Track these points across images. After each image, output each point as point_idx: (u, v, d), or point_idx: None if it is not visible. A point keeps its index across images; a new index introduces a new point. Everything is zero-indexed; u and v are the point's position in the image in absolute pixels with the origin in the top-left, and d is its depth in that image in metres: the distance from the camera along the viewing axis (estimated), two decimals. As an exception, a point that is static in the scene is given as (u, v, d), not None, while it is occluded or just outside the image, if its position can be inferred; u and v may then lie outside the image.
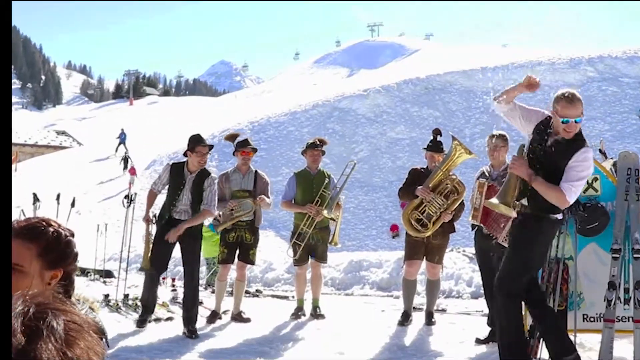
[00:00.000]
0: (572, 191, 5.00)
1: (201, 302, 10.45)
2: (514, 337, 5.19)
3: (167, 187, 8.24)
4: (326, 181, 9.20)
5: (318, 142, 9.40)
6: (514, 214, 5.24)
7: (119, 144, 48.06)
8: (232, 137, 9.29)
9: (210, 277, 14.58)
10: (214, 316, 8.99)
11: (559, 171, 5.02)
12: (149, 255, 8.41)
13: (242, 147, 8.99)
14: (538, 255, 5.26)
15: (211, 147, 8.40)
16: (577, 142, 5.15)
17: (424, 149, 8.40)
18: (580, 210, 5.85)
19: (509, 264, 5.18)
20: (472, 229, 7.44)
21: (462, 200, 7.99)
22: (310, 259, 9.27)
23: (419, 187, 7.84)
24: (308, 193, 9.13)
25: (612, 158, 6.42)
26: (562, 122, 5.03)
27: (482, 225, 7.05)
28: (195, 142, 8.26)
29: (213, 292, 12.93)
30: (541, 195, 5.04)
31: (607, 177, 6.01)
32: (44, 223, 2.36)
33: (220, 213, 8.93)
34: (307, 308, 9.39)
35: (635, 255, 5.49)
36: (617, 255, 5.51)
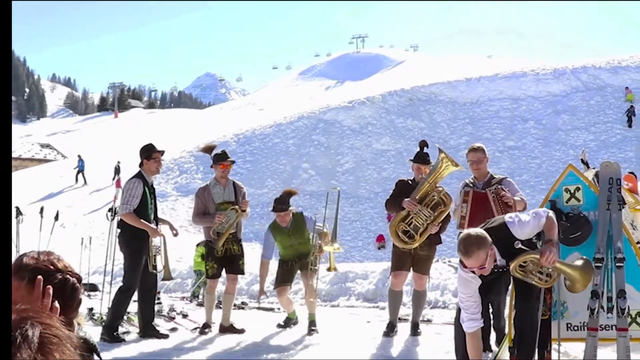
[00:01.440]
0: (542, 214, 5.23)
1: (186, 315, 10.44)
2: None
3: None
4: (304, 227, 9.18)
5: (285, 199, 9.08)
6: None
7: (77, 173, 46.90)
8: (208, 149, 9.27)
9: (197, 289, 14.57)
10: (205, 327, 8.95)
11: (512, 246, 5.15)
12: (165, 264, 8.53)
13: (222, 160, 8.96)
14: None
15: (163, 152, 8.50)
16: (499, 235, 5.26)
17: (411, 160, 8.42)
18: (563, 220, 5.89)
19: None
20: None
21: (449, 212, 8.01)
22: (299, 275, 9.36)
23: (406, 200, 7.83)
24: (289, 249, 9.18)
25: (594, 168, 6.48)
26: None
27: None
28: (151, 150, 8.37)
29: (199, 304, 12.92)
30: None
31: (589, 187, 6.05)
32: (52, 267, 2.31)
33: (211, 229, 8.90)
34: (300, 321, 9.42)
35: (617, 264, 5.53)
36: (600, 264, 5.55)
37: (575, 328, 5.96)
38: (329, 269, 9.56)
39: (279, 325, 9.32)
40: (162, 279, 8.55)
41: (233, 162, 9.16)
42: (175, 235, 9.21)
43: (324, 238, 9.12)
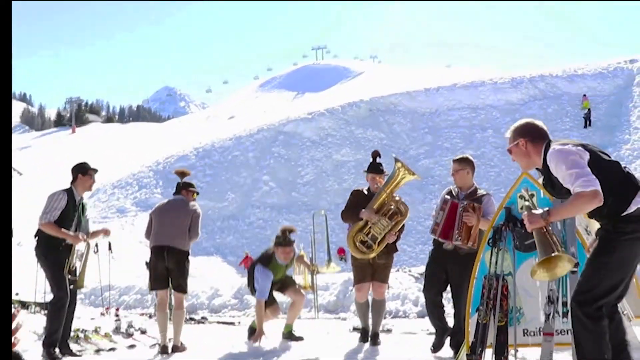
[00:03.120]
0: (587, 185, 4.45)
1: (145, 331, 10.33)
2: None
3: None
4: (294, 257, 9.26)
5: (289, 237, 8.97)
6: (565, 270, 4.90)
7: None
8: (182, 174, 9.23)
9: None
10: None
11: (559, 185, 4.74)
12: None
13: (191, 187, 8.99)
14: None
15: (97, 170, 8.54)
16: (545, 154, 4.89)
17: (365, 171, 8.44)
18: (518, 227, 5.93)
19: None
20: (433, 245, 7.46)
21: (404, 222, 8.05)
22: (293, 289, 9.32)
23: (364, 210, 7.88)
24: (281, 277, 9.16)
25: (548, 174, 6.51)
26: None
27: (440, 239, 7.11)
28: (86, 166, 8.46)
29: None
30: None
31: (543, 194, 6.10)
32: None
33: None
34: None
35: (572, 270, 5.58)
36: (555, 270, 5.59)
37: (532, 333, 6.00)
38: (304, 288, 9.52)
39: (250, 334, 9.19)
40: (74, 287, 8.38)
41: (198, 193, 9.15)
42: (107, 234, 8.99)
43: (301, 260, 9.22)
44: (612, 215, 4.65)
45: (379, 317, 8.48)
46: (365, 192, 8.35)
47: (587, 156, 4.65)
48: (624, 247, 4.66)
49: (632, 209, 4.60)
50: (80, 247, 8.41)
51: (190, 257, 8.69)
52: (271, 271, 8.85)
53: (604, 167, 4.63)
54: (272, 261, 8.91)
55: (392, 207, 7.91)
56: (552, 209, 4.72)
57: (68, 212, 8.05)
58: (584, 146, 4.77)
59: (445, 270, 7.28)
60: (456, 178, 7.37)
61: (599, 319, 4.65)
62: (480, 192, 7.37)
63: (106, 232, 8.86)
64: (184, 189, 8.90)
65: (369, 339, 8.36)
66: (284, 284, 9.20)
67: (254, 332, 8.96)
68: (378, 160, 8.41)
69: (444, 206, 7.09)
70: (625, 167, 4.72)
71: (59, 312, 7.89)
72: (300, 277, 9.27)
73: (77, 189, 8.30)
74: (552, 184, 4.84)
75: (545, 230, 4.75)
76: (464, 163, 7.36)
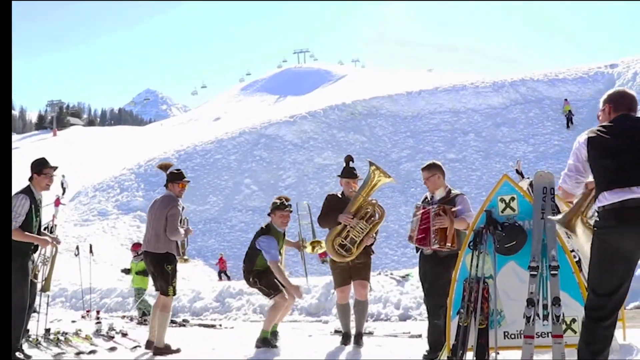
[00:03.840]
0: (561, 178, 5.01)
1: (126, 333, 10.30)
2: None
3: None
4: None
5: (285, 202, 8.96)
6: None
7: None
8: (164, 167, 9.12)
9: (144, 306, 14.44)
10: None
11: None
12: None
13: (180, 179, 8.84)
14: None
15: (56, 167, 8.26)
16: None
17: (339, 176, 8.47)
18: (499, 230, 5.95)
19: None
20: (417, 252, 7.46)
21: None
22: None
23: (342, 214, 7.96)
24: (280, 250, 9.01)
25: (528, 177, 6.56)
26: None
27: (417, 245, 7.13)
28: (42, 165, 8.16)
29: (139, 322, 12.79)
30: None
31: (524, 197, 6.13)
32: None
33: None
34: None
35: (552, 272, 5.61)
36: (535, 273, 5.61)
37: (512, 336, 6.02)
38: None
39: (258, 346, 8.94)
40: (41, 290, 8.31)
41: (189, 181, 9.02)
42: (58, 243, 8.83)
43: (288, 242, 9.23)
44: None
45: (362, 317, 8.48)
46: (340, 196, 8.39)
47: (584, 152, 4.98)
48: (595, 243, 4.88)
49: (602, 202, 4.81)
50: (47, 250, 8.32)
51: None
52: (275, 239, 8.70)
53: (597, 164, 4.91)
54: (270, 230, 8.81)
55: (369, 210, 8.00)
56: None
57: (31, 215, 7.89)
58: (590, 141, 4.97)
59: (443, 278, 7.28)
60: (428, 185, 7.43)
61: (598, 322, 4.82)
62: (454, 192, 7.40)
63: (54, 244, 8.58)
64: (169, 182, 8.80)
65: (352, 339, 8.36)
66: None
67: (266, 342, 8.63)
68: (351, 164, 8.45)
69: (417, 213, 7.13)
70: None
71: (20, 316, 7.79)
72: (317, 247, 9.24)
73: (35, 188, 8.09)
74: None
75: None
76: (433, 169, 7.40)
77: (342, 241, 7.96)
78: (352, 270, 8.29)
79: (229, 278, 33.93)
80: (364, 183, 8.04)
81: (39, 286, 8.27)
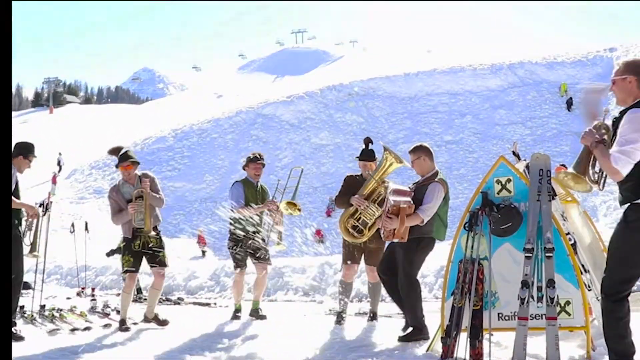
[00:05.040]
0: (619, 159, 4.60)
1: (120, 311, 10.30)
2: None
3: None
4: (268, 194, 9.59)
5: (259, 156, 9.62)
6: (585, 188, 5.23)
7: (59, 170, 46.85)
8: (114, 151, 9.10)
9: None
10: (122, 324, 8.74)
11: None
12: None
13: (123, 161, 8.81)
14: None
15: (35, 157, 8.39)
16: (633, 105, 4.82)
17: (357, 157, 8.52)
18: (494, 211, 5.94)
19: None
20: None
21: None
22: (254, 263, 9.42)
23: (354, 197, 8.04)
24: (254, 202, 9.33)
25: (525, 160, 6.53)
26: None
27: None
28: (31, 151, 8.29)
29: (134, 300, 12.79)
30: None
31: (520, 179, 6.12)
32: None
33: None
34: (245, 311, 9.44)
35: (547, 254, 5.60)
36: (530, 255, 5.61)
37: (507, 318, 6.02)
38: (277, 244, 9.53)
39: (231, 318, 9.30)
40: (29, 252, 8.29)
41: (135, 162, 8.92)
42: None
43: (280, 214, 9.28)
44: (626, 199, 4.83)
45: (376, 298, 8.75)
46: (358, 178, 8.47)
47: None
48: (627, 235, 4.84)
49: None
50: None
51: (151, 237, 8.71)
52: (243, 186, 9.37)
53: None
54: (245, 180, 9.48)
55: (382, 193, 8.01)
56: (600, 146, 4.76)
57: (16, 190, 7.93)
58: None
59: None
60: (415, 168, 7.48)
61: (623, 306, 4.91)
62: (438, 177, 7.36)
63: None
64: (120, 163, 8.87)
65: (370, 317, 8.69)
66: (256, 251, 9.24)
67: (239, 311, 9.35)
68: (370, 147, 8.51)
69: (388, 197, 7.18)
70: None
71: (18, 288, 7.81)
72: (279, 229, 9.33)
73: (15, 167, 8.06)
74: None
75: (590, 152, 4.97)
76: (419, 151, 7.44)
77: (355, 223, 8.06)
78: (365, 252, 8.46)
79: (203, 253, 34.17)
80: (378, 167, 8.10)
81: (26, 250, 8.22)
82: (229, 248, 9.45)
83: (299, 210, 9.08)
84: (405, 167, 8.02)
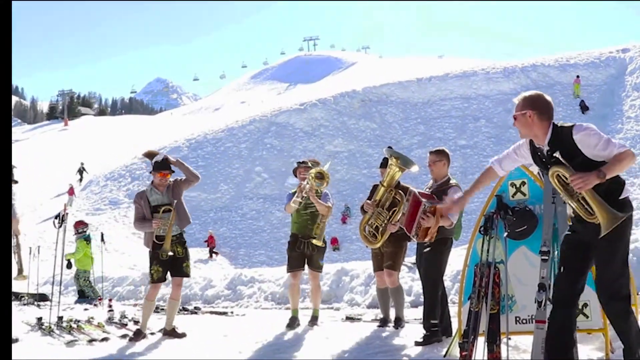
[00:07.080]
0: (617, 145, 4.74)
1: (138, 321, 10.31)
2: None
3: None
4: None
5: (306, 161, 9.82)
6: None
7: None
8: (150, 155, 9.14)
9: (84, 287, 14.79)
10: (139, 334, 8.77)
11: (587, 162, 4.79)
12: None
13: (162, 169, 8.86)
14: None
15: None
16: (562, 130, 4.99)
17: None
18: (509, 215, 5.94)
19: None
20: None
21: None
22: (308, 270, 9.46)
23: (366, 202, 8.23)
24: (301, 219, 9.47)
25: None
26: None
27: (403, 227, 7.21)
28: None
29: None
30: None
31: (534, 181, 6.11)
32: None
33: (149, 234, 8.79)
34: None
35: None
36: (546, 257, 5.60)
37: (524, 321, 6.01)
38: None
39: (288, 327, 9.16)
40: (18, 275, 8.29)
41: (172, 172, 9.00)
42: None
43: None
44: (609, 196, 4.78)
45: (396, 302, 8.82)
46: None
47: None
48: (628, 229, 4.92)
49: (628, 193, 4.90)
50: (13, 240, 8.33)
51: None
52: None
53: None
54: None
55: (390, 199, 8.07)
56: (604, 168, 4.67)
57: None
58: None
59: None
60: (433, 169, 7.61)
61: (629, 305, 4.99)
62: (452, 182, 7.47)
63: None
64: (152, 171, 8.95)
65: (393, 323, 8.77)
66: (309, 257, 9.34)
67: (296, 319, 9.25)
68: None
69: (409, 197, 7.18)
70: None
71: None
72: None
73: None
74: (570, 157, 4.85)
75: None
76: (441, 155, 7.60)
77: (370, 228, 8.13)
78: (384, 257, 8.61)
79: (216, 254, 34.06)
80: (385, 174, 8.18)
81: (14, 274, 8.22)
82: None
83: (327, 182, 9.23)
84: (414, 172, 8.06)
